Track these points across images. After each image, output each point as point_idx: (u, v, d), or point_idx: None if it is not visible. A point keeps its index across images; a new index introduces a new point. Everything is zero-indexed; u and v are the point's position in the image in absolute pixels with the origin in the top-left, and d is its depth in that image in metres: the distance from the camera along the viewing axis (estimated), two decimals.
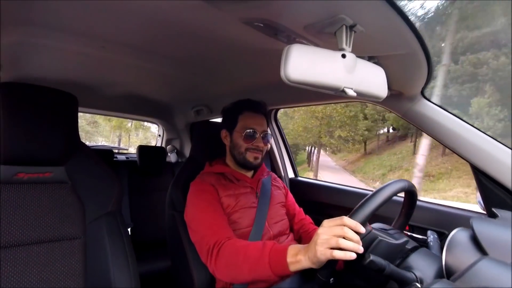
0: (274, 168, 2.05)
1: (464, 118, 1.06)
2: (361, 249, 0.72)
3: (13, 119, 0.90)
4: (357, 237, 0.73)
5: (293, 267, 0.84)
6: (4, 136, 0.89)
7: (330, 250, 0.73)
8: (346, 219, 0.75)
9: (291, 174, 2.08)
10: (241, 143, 1.23)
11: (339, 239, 0.73)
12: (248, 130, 1.22)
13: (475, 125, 1.03)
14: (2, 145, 0.89)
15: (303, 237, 1.32)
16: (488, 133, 1.02)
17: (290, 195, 1.46)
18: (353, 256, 0.71)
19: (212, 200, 1.16)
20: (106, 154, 2.46)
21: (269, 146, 1.48)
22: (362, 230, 0.74)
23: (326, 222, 0.79)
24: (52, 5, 0.84)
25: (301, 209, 1.44)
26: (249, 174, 1.33)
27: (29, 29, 1.00)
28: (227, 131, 1.30)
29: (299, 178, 2.05)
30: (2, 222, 0.88)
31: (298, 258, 0.84)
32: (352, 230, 0.74)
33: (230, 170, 1.28)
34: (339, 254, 0.72)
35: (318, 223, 1.38)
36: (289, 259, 0.85)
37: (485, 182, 1.03)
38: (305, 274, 1.23)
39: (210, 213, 1.11)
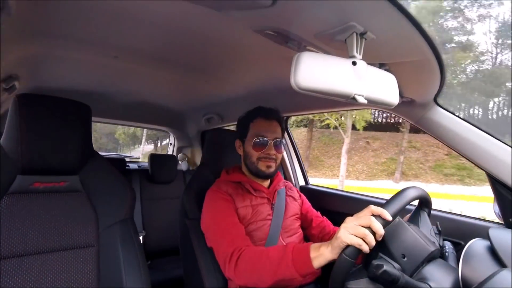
0: (285, 176, 2.04)
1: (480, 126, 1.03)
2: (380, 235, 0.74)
3: (30, 130, 0.93)
4: (382, 230, 0.74)
5: (316, 262, 0.84)
6: (22, 147, 0.91)
7: (356, 238, 0.75)
8: (372, 206, 0.78)
9: (301, 182, 2.06)
10: (252, 152, 1.21)
11: (366, 230, 0.75)
12: (257, 138, 1.19)
13: (492, 133, 1.01)
14: (20, 156, 0.92)
15: (325, 240, 1.27)
16: (506, 141, 0.99)
17: (306, 202, 1.42)
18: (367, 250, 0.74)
19: (229, 207, 1.14)
20: (118, 162, 2.49)
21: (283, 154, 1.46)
22: (389, 217, 0.75)
23: (354, 215, 0.82)
24: (67, 17, 0.87)
25: (318, 212, 1.41)
26: (266, 184, 1.30)
27: (44, 40, 1.03)
28: (240, 140, 1.28)
29: (310, 186, 2.03)
30: (18, 231, 0.90)
31: (321, 251, 0.84)
32: (380, 216, 0.76)
33: (247, 180, 1.25)
34: (364, 246, 0.74)
35: None
36: (312, 254, 0.86)
37: (503, 192, 1.00)
38: (319, 283, 1.21)
39: (228, 219, 1.10)
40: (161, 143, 22.93)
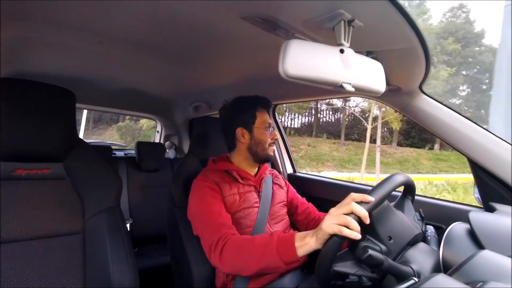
0: (273, 163, 2.05)
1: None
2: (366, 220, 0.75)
3: (10, 115, 0.90)
4: (364, 212, 0.75)
5: (301, 251, 0.85)
6: (2, 132, 0.89)
7: (338, 226, 0.75)
8: (353, 194, 0.80)
9: (289, 170, 2.08)
10: (266, 139, 1.25)
11: (348, 217, 0.75)
12: (267, 124, 1.26)
13: (473, 120, 1.03)
14: (0, 141, 0.89)
15: (310, 226, 1.32)
16: (486, 128, 1.02)
17: (292, 189, 1.44)
18: (358, 236, 0.73)
19: (215, 197, 1.15)
20: (104, 150, 2.45)
21: None
22: (371, 199, 0.77)
23: (337, 205, 0.81)
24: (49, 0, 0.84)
25: (304, 199, 1.43)
26: (253, 172, 1.32)
27: (26, 24, 0.99)
28: (245, 129, 1.26)
29: (298, 174, 2.05)
30: (1, 218, 0.89)
31: (306, 240, 0.85)
32: (361, 201, 0.77)
33: (235, 168, 1.26)
34: (346, 231, 0.73)
35: None
36: (297, 243, 0.86)
37: (483, 177, 1.04)
38: (305, 269, 1.24)
39: (214, 208, 1.11)
40: None
